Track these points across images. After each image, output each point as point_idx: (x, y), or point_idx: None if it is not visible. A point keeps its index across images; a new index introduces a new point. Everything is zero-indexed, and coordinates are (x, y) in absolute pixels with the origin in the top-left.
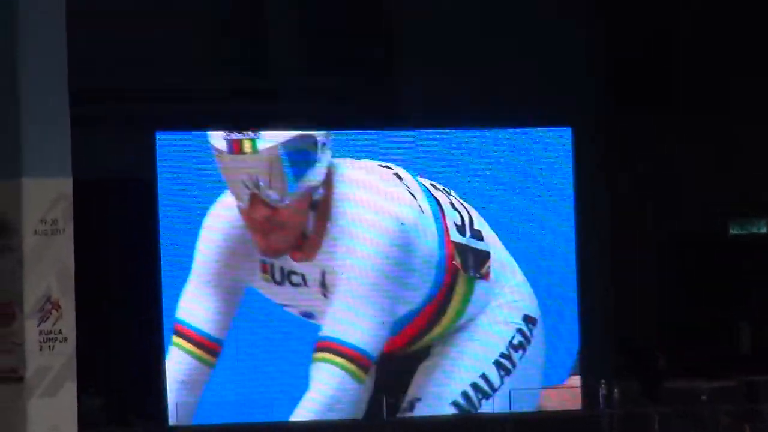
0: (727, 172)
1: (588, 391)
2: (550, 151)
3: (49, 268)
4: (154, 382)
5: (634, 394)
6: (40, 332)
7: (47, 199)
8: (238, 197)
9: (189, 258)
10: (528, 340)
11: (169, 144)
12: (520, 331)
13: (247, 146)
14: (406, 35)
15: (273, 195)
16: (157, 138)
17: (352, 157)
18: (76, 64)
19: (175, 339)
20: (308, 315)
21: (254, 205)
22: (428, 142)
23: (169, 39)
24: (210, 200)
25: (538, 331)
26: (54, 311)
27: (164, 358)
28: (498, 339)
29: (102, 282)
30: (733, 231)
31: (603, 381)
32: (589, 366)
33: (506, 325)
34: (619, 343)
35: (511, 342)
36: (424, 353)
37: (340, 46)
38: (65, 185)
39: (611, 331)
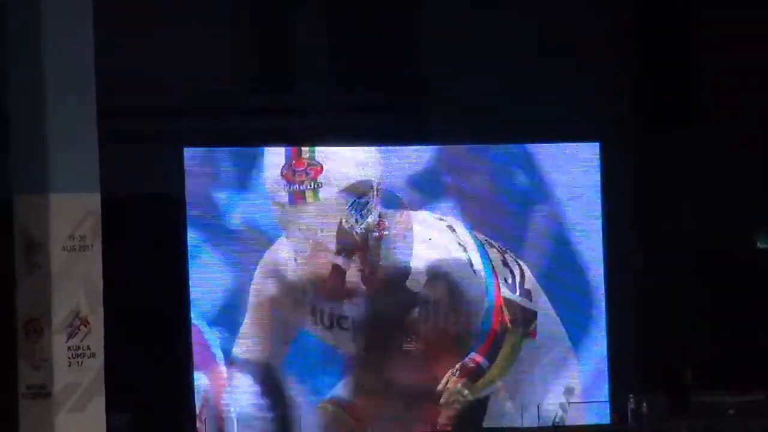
0: (760, 189)
1: (616, 406)
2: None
3: (77, 285)
4: (183, 398)
5: (662, 408)
6: (69, 348)
7: (75, 216)
8: (298, 244)
9: (217, 273)
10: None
11: (197, 160)
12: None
13: (309, 196)
14: (437, 53)
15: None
16: (185, 154)
17: (389, 172)
18: (105, 81)
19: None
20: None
21: (316, 252)
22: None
23: (198, 56)
24: (238, 216)
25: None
26: (82, 327)
27: (192, 374)
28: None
29: (130, 298)
30: (762, 245)
31: (631, 396)
32: (617, 381)
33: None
34: (648, 359)
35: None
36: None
37: (371, 63)
38: (93, 201)
39: (640, 348)
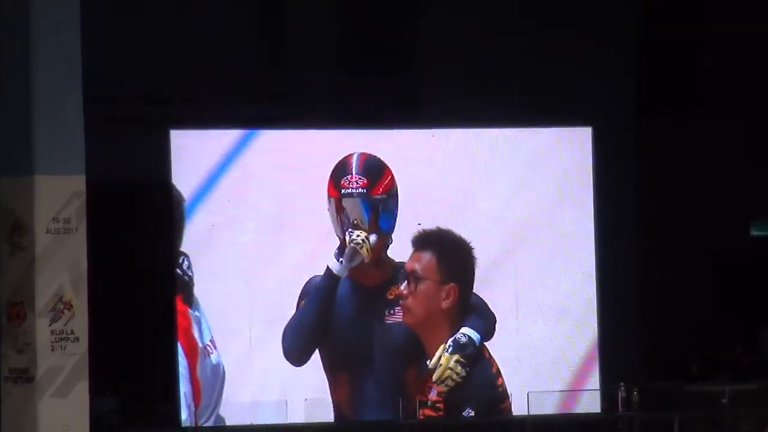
0: (758, 175)
1: (607, 394)
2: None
3: (62, 268)
4: (168, 383)
5: (654, 397)
6: (52, 332)
7: (60, 198)
8: None
9: (206, 255)
10: None
11: (184, 142)
12: None
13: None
14: (426, 33)
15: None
16: (171, 136)
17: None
18: (91, 62)
19: None
20: None
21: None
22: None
23: (185, 37)
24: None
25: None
26: (66, 311)
27: (177, 359)
28: None
29: (115, 281)
30: (755, 232)
31: (622, 384)
32: (609, 369)
33: None
34: (642, 347)
35: None
36: None
37: (360, 45)
38: (78, 183)
39: (633, 335)
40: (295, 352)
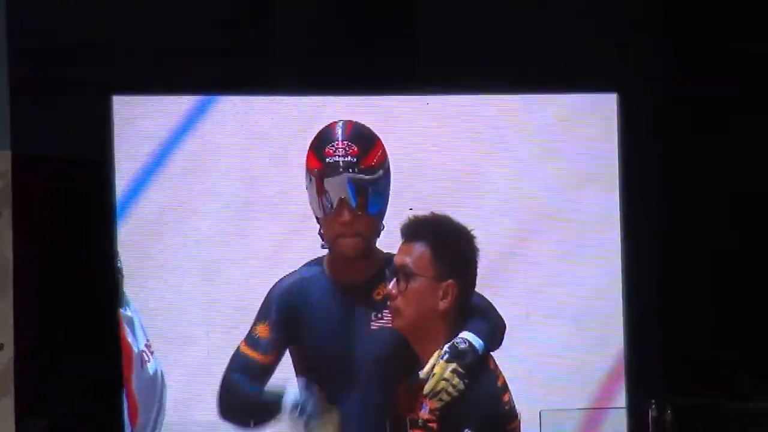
0: None
1: (636, 413)
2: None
3: None
4: (109, 396)
5: (692, 417)
6: None
7: None
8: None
9: (155, 244)
10: None
11: (129, 111)
12: None
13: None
14: None
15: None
16: (114, 103)
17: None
18: (16, 13)
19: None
20: None
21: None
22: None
23: None
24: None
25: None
26: None
27: (121, 369)
28: None
29: (46, 277)
30: None
31: (654, 401)
32: (638, 383)
33: None
34: (687, 358)
35: None
36: None
37: None
38: (2, 161)
39: (667, 342)
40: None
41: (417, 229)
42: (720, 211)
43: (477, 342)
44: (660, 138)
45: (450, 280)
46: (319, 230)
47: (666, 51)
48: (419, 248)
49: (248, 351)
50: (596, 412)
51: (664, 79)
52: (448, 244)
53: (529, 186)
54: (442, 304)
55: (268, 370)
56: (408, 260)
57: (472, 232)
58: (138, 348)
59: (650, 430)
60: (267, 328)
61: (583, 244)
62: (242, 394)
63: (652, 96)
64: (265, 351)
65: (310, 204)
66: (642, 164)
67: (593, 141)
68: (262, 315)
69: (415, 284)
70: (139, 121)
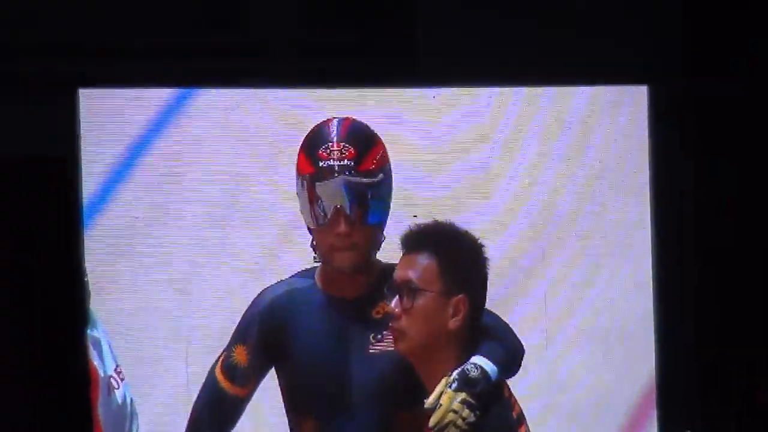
0: None
1: None
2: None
3: None
4: (74, 428)
5: None
6: None
7: None
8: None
9: (125, 257)
10: None
11: (98, 106)
12: None
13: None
14: None
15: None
16: (81, 97)
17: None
18: None
19: None
20: None
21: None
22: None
23: None
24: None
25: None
26: None
27: (89, 384)
28: None
29: (1, 294)
30: None
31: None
32: (671, 412)
33: None
34: (726, 384)
35: None
36: None
37: None
38: None
39: (705, 367)
40: None
41: (420, 239)
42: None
43: (490, 368)
44: (699, 135)
45: (460, 295)
46: (312, 242)
47: (701, 41)
48: (424, 260)
49: (223, 381)
50: None
51: (699, 71)
52: (456, 255)
53: (548, 190)
54: (453, 323)
55: (243, 401)
56: (412, 274)
57: (479, 241)
58: (105, 373)
59: None
60: (245, 352)
61: (610, 253)
62: None
63: (689, 89)
64: (242, 382)
65: (302, 212)
66: (676, 164)
67: (621, 138)
68: (242, 335)
69: (421, 301)
70: (108, 118)
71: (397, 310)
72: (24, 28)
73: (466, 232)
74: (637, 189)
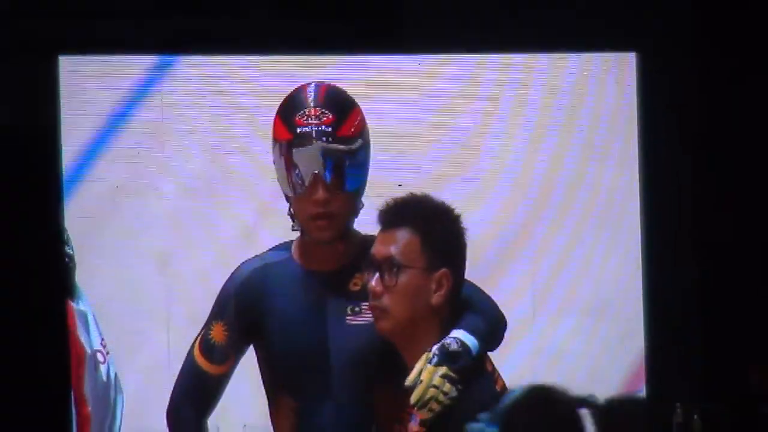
0: None
1: (658, 419)
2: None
3: None
4: (57, 405)
5: (722, 424)
6: None
7: None
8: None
9: (106, 228)
10: None
11: (78, 73)
12: None
13: None
14: None
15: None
16: (61, 64)
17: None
18: None
19: None
20: None
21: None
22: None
23: None
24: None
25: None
26: None
27: (69, 382)
28: None
29: None
30: None
31: (679, 405)
32: (660, 385)
33: None
34: (716, 358)
35: None
36: None
37: None
38: None
39: (695, 340)
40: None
41: (398, 214)
42: (758, 190)
43: (471, 341)
44: (690, 103)
45: (443, 269)
46: (289, 210)
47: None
48: (404, 235)
49: (202, 360)
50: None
51: (689, 36)
52: (436, 228)
53: (535, 159)
54: (436, 298)
55: (223, 380)
56: (393, 250)
57: (456, 211)
58: (91, 348)
59: None
60: (222, 329)
61: (598, 224)
62: None
63: (680, 56)
64: (220, 360)
65: (278, 180)
66: (665, 133)
67: (609, 107)
68: (219, 312)
69: (404, 278)
70: (89, 86)
71: (378, 288)
72: None
73: (443, 203)
74: (627, 159)
